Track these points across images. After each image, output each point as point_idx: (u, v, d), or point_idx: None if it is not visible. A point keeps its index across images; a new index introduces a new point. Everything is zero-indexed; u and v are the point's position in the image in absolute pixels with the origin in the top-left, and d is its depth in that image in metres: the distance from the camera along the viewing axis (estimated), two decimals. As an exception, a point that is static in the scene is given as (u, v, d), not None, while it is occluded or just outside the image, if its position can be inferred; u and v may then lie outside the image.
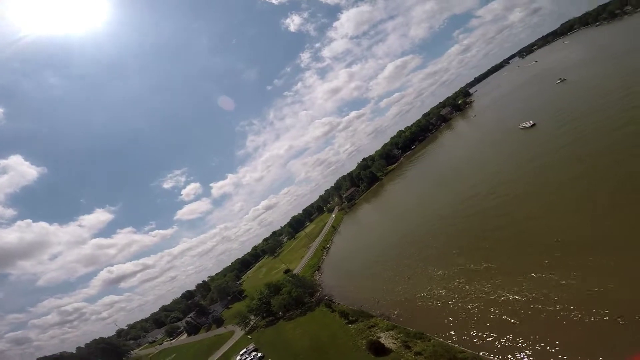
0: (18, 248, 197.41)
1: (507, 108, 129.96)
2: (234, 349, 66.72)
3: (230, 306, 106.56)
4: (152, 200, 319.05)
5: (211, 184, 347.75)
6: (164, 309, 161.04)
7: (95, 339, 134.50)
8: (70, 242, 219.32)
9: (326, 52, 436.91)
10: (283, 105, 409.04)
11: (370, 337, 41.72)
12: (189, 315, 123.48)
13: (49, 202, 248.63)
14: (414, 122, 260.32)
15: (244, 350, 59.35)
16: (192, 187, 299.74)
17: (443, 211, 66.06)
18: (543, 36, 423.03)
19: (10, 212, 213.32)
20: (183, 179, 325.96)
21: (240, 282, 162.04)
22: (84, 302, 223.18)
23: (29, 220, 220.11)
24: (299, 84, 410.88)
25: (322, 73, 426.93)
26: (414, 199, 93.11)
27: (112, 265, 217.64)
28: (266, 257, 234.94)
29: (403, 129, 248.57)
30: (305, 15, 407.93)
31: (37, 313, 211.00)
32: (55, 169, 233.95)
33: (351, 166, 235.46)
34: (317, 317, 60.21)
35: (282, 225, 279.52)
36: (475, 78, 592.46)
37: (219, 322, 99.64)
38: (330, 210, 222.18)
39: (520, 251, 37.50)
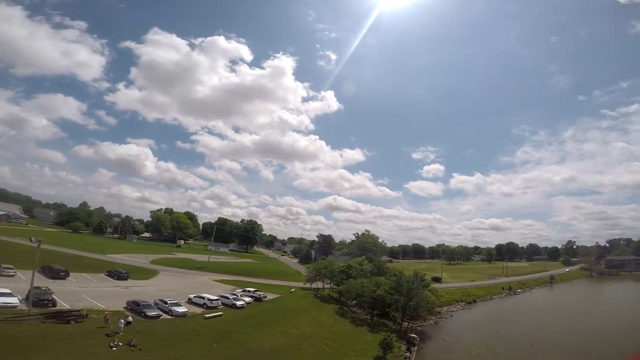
0: (301, 152, 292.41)
1: None
2: (271, 289, 59.52)
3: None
4: (397, 161, 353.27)
5: (454, 174, 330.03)
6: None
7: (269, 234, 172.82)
8: (328, 164, 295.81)
9: None
10: (592, 127, 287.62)
11: None
12: (313, 247, 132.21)
13: (333, 129, 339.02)
14: None
15: (256, 290, 51.34)
16: (435, 168, 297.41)
17: None
18: None
19: (311, 126, 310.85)
20: (432, 156, 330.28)
21: (390, 260, 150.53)
22: (305, 211, 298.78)
23: (317, 137, 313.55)
24: (634, 106, 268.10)
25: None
26: None
27: (339, 195, 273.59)
28: (441, 258, 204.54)
29: None
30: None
31: (276, 203, 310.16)
32: (347, 109, 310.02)
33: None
34: (363, 339, 40.78)
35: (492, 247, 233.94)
36: None
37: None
38: (567, 263, 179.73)
39: None
